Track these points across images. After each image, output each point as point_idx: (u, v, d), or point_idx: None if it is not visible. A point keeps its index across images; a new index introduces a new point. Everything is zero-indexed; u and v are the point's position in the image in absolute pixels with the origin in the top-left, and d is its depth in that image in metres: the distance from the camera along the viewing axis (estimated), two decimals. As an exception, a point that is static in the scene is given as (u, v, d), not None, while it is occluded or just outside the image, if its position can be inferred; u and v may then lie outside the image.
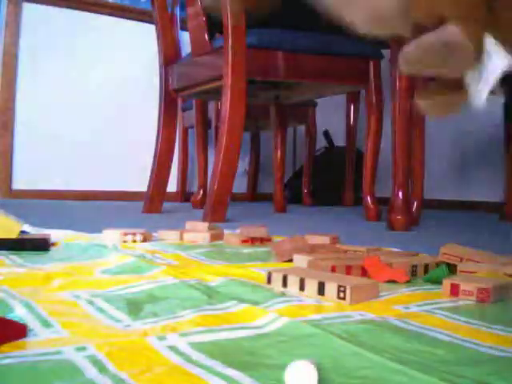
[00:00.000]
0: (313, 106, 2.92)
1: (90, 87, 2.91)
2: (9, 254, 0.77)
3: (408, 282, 0.65)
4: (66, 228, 1.09)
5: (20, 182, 2.76)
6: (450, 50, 0.32)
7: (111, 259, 0.74)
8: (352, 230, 1.48)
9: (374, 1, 0.33)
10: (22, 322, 0.40)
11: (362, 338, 0.40)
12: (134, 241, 0.95)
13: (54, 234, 0.96)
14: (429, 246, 0.99)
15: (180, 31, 2.10)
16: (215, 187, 1.59)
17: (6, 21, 2.71)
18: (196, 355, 0.36)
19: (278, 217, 2.05)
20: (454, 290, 0.58)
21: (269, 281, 0.60)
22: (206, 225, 1.12)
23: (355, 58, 1.78)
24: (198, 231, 1.06)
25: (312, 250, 0.81)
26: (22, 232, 0.88)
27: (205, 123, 2.71)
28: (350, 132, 2.83)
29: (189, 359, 0.35)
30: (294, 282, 0.58)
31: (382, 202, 1.90)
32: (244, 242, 1.00)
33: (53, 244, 0.87)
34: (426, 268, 0.70)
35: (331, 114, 3.18)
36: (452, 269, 0.71)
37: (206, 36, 1.70)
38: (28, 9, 2.76)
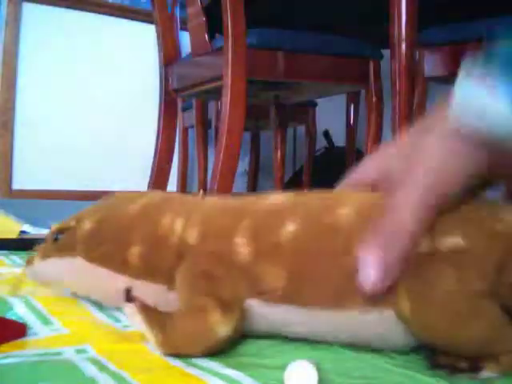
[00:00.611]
0: (313, 106, 2.92)
1: (89, 87, 2.91)
2: (9, 253, 0.77)
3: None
4: (66, 228, 1.09)
5: (20, 182, 2.76)
6: None
7: (111, 259, 0.73)
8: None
9: None
10: (21, 321, 0.40)
11: (362, 338, 0.40)
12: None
13: (54, 234, 0.96)
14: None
15: (180, 31, 2.09)
16: (215, 187, 1.59)
17: (5, 21, 2.71)
18: (196, 356, 0.36)
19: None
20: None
21: (269, 281, 0.60)
22: (205, 225, 1.12)
23: (355, 58, 1.78)
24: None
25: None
26: (22, 232, 0.88)
27: (205, 123, 2.71)
28: (350, 132, 2.82)
29: (188, 361, 0.35)
30: (293, 282, 0.58)
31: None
32: (244, 242, 1.00)
33: (53, 244, 0.87)
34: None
35: (331, 114, 3.18)
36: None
37: (206, 36, 1.70)
38: (28, 9, 2.76)
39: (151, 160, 2.00)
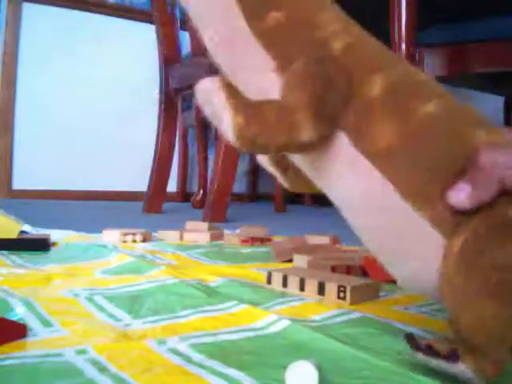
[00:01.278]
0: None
1: (89, 87, 2.91)
2: (9, 254, 0.77)
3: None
4: (66, 228, 1.09)
5: (20, 182, 2.76)
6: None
7: (111, 259, 0.74)
8: (352, 230, 1.48)
9: None
10: (21, 322, 0.40)
11: (362, 340, 0.40)
12: (134, 241, 0.95)
13: (54, 234, 0.96)
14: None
15: (180, 31, 2.09)
16: (215, 187, 1.59)
17: (6, 21, 2.71)
18: (196, 356, 0.36)
19: (278, 217, 2.05)
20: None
21: (269, 281, 0.60)
22: (205, 225, 1.12)
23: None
24: (198, 231, 1.06)
25: (312, 249, 0.81)
26: (22, 232, 0.88)
27: (205, 123, 2.71)
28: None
29: (189, 360, 0.35)
30: (294, 282, 0.58)
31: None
32: (244, 242, 1.00)
33: (53, 244, 0.87)
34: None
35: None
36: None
37: (206, 36, 1.70)
38: (28, 9, 2.76)
39: (151, 160, 2.00)
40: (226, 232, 1.10)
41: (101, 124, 2.95)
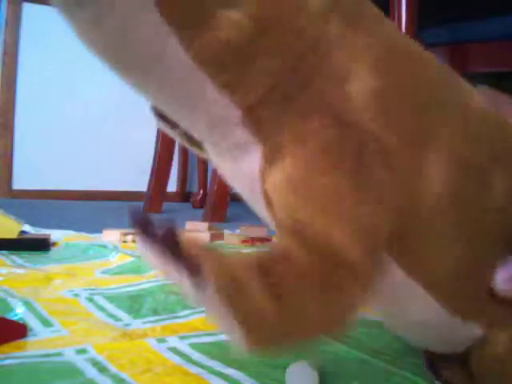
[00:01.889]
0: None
1: (89, 87, 2.91)
2: (9, 253, 0.77)
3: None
4: (66, 228, 1.09)
5: (20, 182, 2.76)
6: None
7: (111, 259, 0.74)
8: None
9: None
10: (21, 322, 0.40)
11: (362, 341, 0.40)
12: (134, 241, 0.95)
13: (54, 234, 0.96)
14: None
15: (180, 31, 2.10)
16: (215, 187, 1.59)
17: (5, 21, 2.71)
18: (196, 355, 0.36)
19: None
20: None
21: (269, 281, 0.60)
22: (205, 225, 1.12)
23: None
24: (198, 231, 1.06)
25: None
26: (22, 232, 0.88)
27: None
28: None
29: (189, 359, 0.35)
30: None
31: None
32: (244, 242, 1.00)
33: (53, 244, 0.87)
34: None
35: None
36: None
37: (206, 36, 1.70)
38: (28, 9, 2.76)
39: (151, 160, 2.00)
40: (226, 232, 1.10)
41: (101, 124, 2.95)
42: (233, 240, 1.01)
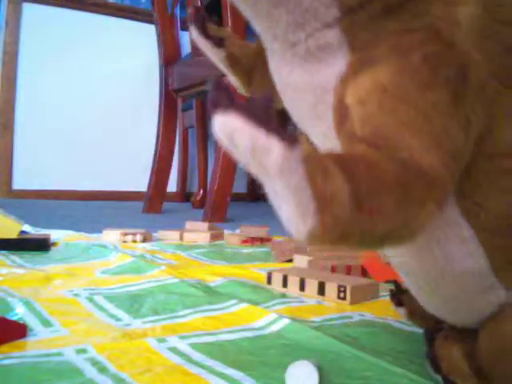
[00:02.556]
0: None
1: (89, 87, 2.91)
2: (9, 254, 0.77)
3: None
4: (66, 228, 1.09)
5: (20, 182, 2.76)
6: None
7: (111, 259, 0.74)
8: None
9: None
10: (21, 322, 0.40)
11: (363, 341, 0.40)
12: (134, 241, 0.95)
13: (54, 234, 0.96)
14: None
15: (180, 31, 2.09)
16: (215, 187, 1.59)
17: (6, 21, 2.71)
18: (196, 355, 0.36)
19: (278, 217, 2.05)
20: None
21: (269, 281, 0.60)
22: (205, 225, 1.12)
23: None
24: (198, 231, 1.06)
25: (312, 249, 0.81)
26: (22, 232, 0.88)
27: (205, 123, 2.71)
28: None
29: (189, 359, 0.35)
30: (294, 282, 0.58)
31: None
32: (244, 242, 1.00)
33: (53, 244, 0.87)
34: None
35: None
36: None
37: (206, 36, 1.70)
38: (28, 9, 2.76)
39: (151, 160, 2.00)
40: (226, 232, 1.10)
41: (101, 124, 2.95)
42: (233, 240, 1.01)
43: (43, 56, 2.80)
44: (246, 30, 1.56)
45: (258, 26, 0.28)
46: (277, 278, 0.59)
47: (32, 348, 0.36)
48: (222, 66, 0.36)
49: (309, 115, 0.28)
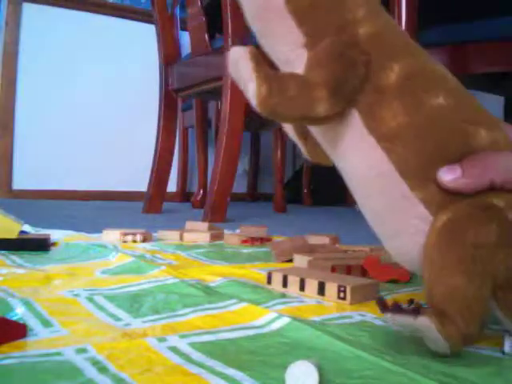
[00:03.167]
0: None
1: (89, 87, 2.91)
2: (9, 253, 0.77)
3: (408, 281, 0.65)
4: (66, 228, 1.09)
5: (20, 182, 2.76)
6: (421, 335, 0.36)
7: (111, 259, 0.74)
8: (352, 230, 1.48)
9: None
10: (21, 322, 0.40)
11: (363, 340, 0.40)
12: (134, 241, 0.95)
13: (54, 234, 0.96)
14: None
15: (180, 31, 2.09)
16: (215, 187, 1.59)
17: (6, 21, 2.71)
18: (196, 355, 0.36)
19: (278, 217, 2.05)
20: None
21: (269, 281, 0.60)
22: (205, 225, 1.12)
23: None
24: (198, 231, 1.06)
25: (312, 250, 0.81)
26: (22, 232, 0.88)
27: (205, 123, 2.71)
28: (350, 132, 2.82)
29: (189, 359, 0.35)
30: (294, 282, 0.58)
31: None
32: (244, 242, 1.00)
33: (53, 244, 0.87)
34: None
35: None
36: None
37: (206, 36, 1.70)
38: (28, 9, 2.76)
39: (151, 160, 2.00)
40: (226, 232, 1.10)
41: (101, 124, 2.95)
42: (233, 240, 1.01)
43: (43, 56, 2.80)
44: (246, 31, 1.56)
45: None
46: (277, 278, 0.59)
47: (32, 348, 0.36)
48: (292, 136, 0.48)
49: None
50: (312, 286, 0.56)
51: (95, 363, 0.33)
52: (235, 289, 0.57)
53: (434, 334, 0.34)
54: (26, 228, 0.98)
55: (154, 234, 1.04)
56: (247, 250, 0.91)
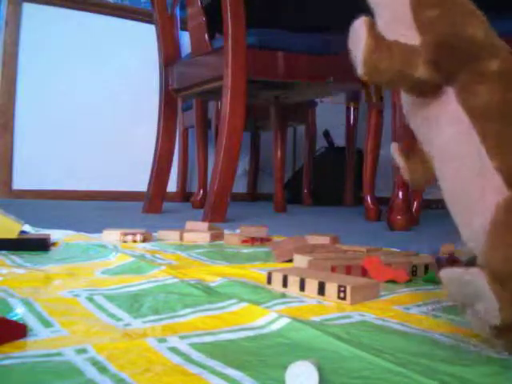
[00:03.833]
0: (313, 106, 2.92)
1: (89, 87, 2.91)
2: (9, 253, 0.77)
3: (408, 281, 0.65)
4: (66, 228, 1.09)
5: (20, 182, 2.76)
6: (472, 292, 0.37)
7: (111, 259, 0.74)
8: (352, 230, 1.48)
9: None
10: (21, 322, 0.40)
11: (363, 340, 0.40)
12: (134, 241, 0.95)
13: (54, 234, 0.96)
14: (429, 245, 0.99)
15: (180, 31, 2.09)
16: (215, 187, 1.59)
17: (5, 21, 2.71)
18: (196, 355, 0.36)
19: (278, 217, 2.05)
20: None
21: (269, 281, 0.60)
22: (205, 225, 1.12)
23: (355, 58, 1.78)
24: (198, 231, 1.06)
25: (312, 250, 0.81)
26: (22, 232, 0.88)
27: (205, 123, 2.71)
28: (350, 132, 2.83)
29: (189, 359, 0.35)
30: (294, 282, 0.58)
31: (382, 201, 1.90)
32: (244, 242, 1.00)
33: (53, 244, 0.87)
34: (426, 268, 0.70)
35: (331, 114, 3.18)
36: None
37: (206, 36, 1.70)
38: (28, 9, 2.76)
39: (151, 160, 2.00)
40: (226, 232, 1.10)
41: (101, 124, 2.95)
42: (233, 240, 1.01)
43: (43, 56, 2.80)
44: (245, 30, 1.56)
45: None
46: (277, 278, 0.59)
47: (32, 348, 0.36)
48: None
49: None
50: (312, 286, 0.56)
51: (95, 363, 0.33)
52: (235, 289, 0.57)
53: (485, 290, 0.34)
54: (26, 228, 0.98)
55: (154, 234, 1.04)
56: (247, 250, 0.91)
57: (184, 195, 3.08)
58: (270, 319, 0.44)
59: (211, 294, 0.54)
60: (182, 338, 0.39)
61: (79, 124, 2.89)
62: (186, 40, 2.17)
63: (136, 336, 0.39)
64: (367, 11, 0.43)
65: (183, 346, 0.37)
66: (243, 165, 3.24)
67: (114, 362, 0.33)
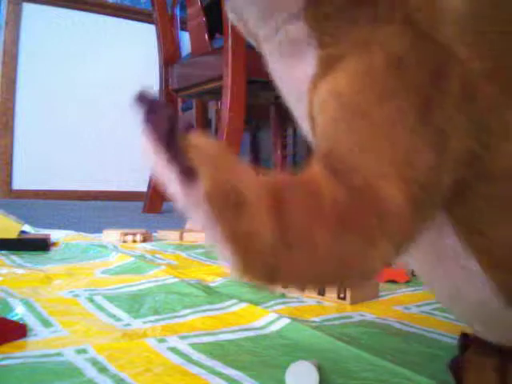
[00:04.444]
0: (313, 106, 2.92)
1: (89, 87, 2.91)
2: (9, 254, 0.77)
3: (408, 281, 0.65)
4: (66, 228, 1.09)
5: (20, 182, 2.76)
6: None
7: (111, 259, 0.74)
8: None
9: None
10: (21, 322, 0.40)
11: (363, 340, 0.40)
12: (134, 241, 0.95)
13: (54, 234, 0.96)
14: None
15: (180, 31, 2.09)
16: (215, 187, 1.59)
17: (5, 21, 2.71)
18: (196, 355, 0.36)
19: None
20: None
21: (269, 281, 0.60)
22: (206, 225, 1.12)
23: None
24: (198, 231, 1.06)
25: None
26: (22, 232, 0.88)
27: (205, 123, 2.71)
28: (350, 132, 2.82)
29: (189, 359, 0.35)
30: (294, 282, 0.58)
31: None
32: (244, 242, 1.00)
33: (53, 244, 0.87)
34: (426, 268, 0.70)
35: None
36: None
37: (206, 36, 1.70)
38: (28, 9, 2.76)
39: (151, 160, 2.00)
40: (226, 232, 1.09)
41: (101, 124, 2.95)
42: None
43: (43, 56, 2.80)
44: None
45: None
46: (277, 278, 0.59)
47: (32, 348, 0.36)
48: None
49: (297, 109, 0.25)
50: (312, 286, 0.56)
51: (95, 363, 0.33)
52: (235, 288, 0.57)
53: None
54: (26, 228, 0.98)
55: (154, 234, 1.04)
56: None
57: (184, 195, 3.07)
58: (270, 320, 0.44)
59: (211, 294, 0.54)
60: (181, 338, 0.39)
61: (79, 124, 2.89)
62: (186, 40, 2.17)
63: (136, 336, 0.39)
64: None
65: (183, 346, 0.37)
66: (243, 165, 3.24)
67: (114, 362, 0.33)
